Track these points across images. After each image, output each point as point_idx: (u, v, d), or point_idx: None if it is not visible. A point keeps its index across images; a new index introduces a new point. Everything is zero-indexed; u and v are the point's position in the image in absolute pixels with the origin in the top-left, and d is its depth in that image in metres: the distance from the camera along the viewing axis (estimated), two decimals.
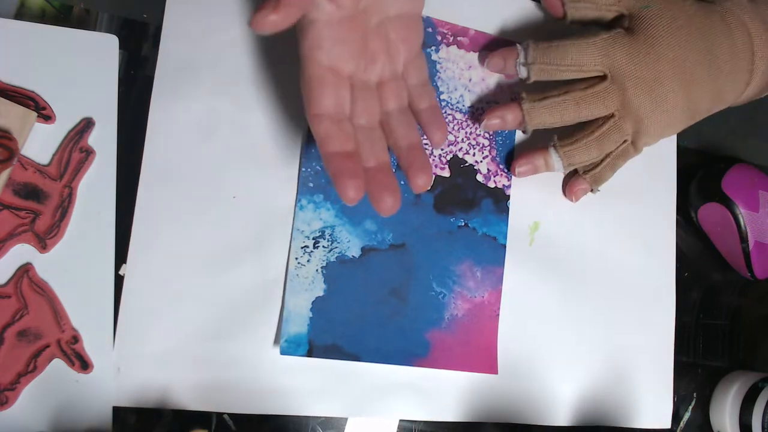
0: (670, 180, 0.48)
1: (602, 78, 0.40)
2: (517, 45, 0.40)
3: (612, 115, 0.40)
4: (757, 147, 0.53)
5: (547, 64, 0.39)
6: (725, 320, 0.49)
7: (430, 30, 0.42)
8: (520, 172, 0.42)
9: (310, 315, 0.37)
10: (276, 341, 0.37)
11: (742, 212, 0.46)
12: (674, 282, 0.47)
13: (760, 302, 0.51)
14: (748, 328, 0.50)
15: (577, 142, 0.40)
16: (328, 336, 0.37)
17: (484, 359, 0.40)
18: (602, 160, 0.42)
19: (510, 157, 0.43)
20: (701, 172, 0.49)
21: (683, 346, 0.47)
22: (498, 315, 0.41)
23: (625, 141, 0.41)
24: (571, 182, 0.43)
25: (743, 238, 0.46)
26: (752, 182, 0.47)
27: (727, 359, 0.49)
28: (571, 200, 0.44)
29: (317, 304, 0.38)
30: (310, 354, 0.37)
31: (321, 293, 0.38)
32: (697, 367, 0.48)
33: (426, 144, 0.41)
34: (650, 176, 0.44)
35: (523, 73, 0.40)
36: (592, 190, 0.43)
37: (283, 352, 0.36)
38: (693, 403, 0.47)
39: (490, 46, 0.43)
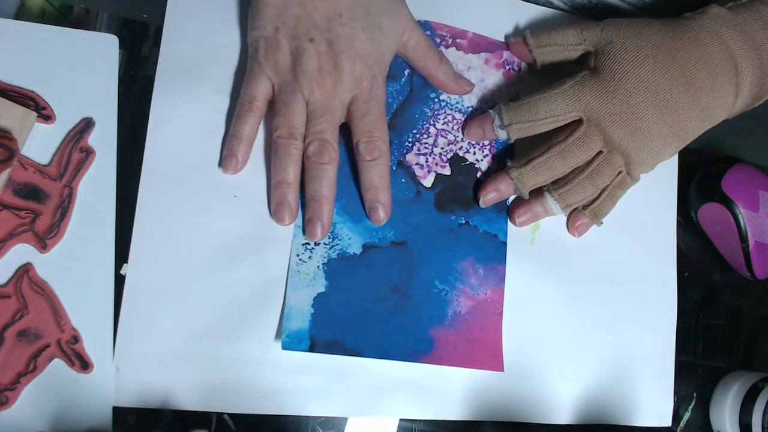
0: (670, 180, 0.48)
1: (579, 122, 0.40)
2: (490, 111, 0.41)
3: (600, 152, 0.40)
4: (757, 147, 0.53)
5: (523, 123, 0.40)
6: (725, 320, 0.49)
7: (428, 33, 0.42)
8: (521, 222, 0.42)
9: (312, 311, 0.37)
10: (277, 339, 0.37)
11: (742, 212, 0.46)
12: (675, 282, 0.47)
13: (760, 302, 0.51)
14: (748, 328, 0.50)
15: (570, 183, 0.40)
16: (330, 332, 0.37)
17: (489, 357, 0.40)
18: (600, 194, 0.41)
19: (509, 155, 0.43)
20: (701, 172, 0.49)
21: (683, 346, 0.47)
22: (501, 312, 0.41)
23: (619, 173, 0.41)
24: (571, 219, 0.43)
25: (743, 238, 0.46)
26: (752, 182, 0.47)
27: (727, 359, 0.49)
28: (574, 236, 0.44)
29: (318, 301, 0.38)
30: (311, 349, 0.37)
31: (322, 289, 0.38)
32: (697, 367, 0.48)
33: (426, 143, 0.42)
34: (651, 176, 0.44)
35: (502, 135, 0.41)
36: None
37: (284, 347, 0.36)
38: (693, 403, 0.47)
39: (488, 49, 0.44)
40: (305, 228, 0.38)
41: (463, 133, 0.42)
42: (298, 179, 0.37)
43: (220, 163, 0.38)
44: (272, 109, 0.37)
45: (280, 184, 0.37)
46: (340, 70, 0.36)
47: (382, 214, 0.38)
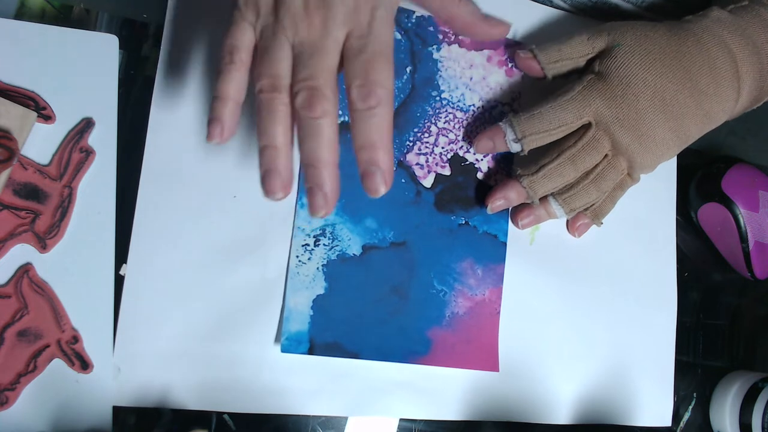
0: (670, 180, 0.48)
1: (587, 126, 0.39)
2: (499, 124, 0.40)
3: (605, 155, 0.40)
4: (757, 147, 0.53)
5: (536, 134, 0.39)
6: (725, 320, 0.49)
7: (431, 29, 0.42)
8: (523, 225, 0.42)
9: (311, 313, 0.37)
10: (276, 340, 0.37)
11: (742, 212, 0.46)
12: (675, 282, 0.47)
13: (760, 302, 0.51)
14: (748, 328, 0.50)
15: (574, 188, 0.40)
16: (329, 334, 0.37)
17: (485, 357, 0.40)
18: None
19: (509, 161, 0.43)
20: (701, 172, 0.49)
21: (683, 346, 0.47)
22: (499, 313, 0.41)
23: (621, 175, 0.41)
24: (572, 219, 0.43)
25: (743, 238, 0.46)
26: (752, 182, 0.47)
27: (727, 359, 0.49)
28: (574, 236, 0.44)
29: (318, 302, 0.38)
30: (311, 352, 0.37)
31: (322, 291, 0.38)
32: (697, 367, 0.48)
33: (428, 142, 0.41)
34: (650, 176, 0.44)
35: (515, 148, 0.40)
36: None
37: (283, 350, 0.36)
38: (693, 403, 0.47)
39: (491, 47, 0.44)
40: (308, 202, 0.30)
41: (471, 147, 0.42)
42: (290, 141, 0.30)
43: (208, 135, 0.31)
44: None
45: (267, 149, 0.30)
46: (331, 2, 0.30)
47: (379, 182, 0.29)
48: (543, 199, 0.41)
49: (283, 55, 0.30)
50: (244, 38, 0.31)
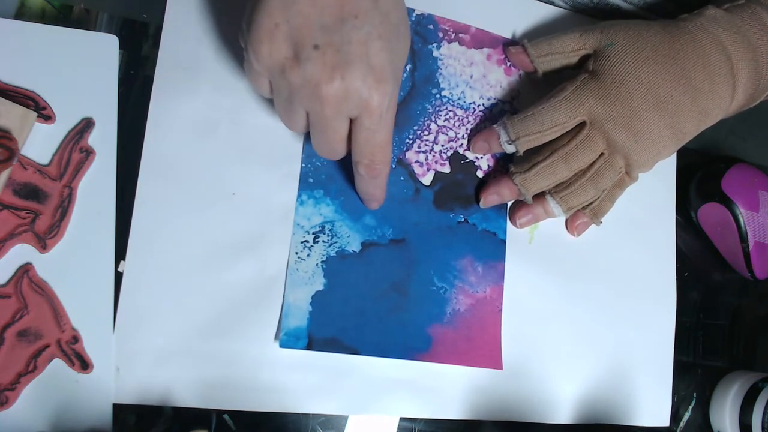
0: (669, 180, 0.48)
1: (582, 125, 0.39)
2: (494, 126, 0.41)
3: (601, 154, 0.40)
4: (757, 147, 0.53)
5: (530, 135, 0.39)
6: (725, 320, 0.49)
7: (431, 27, 0.42)
8: (522, 224, 0.42)
9: (310, 309, 0.38)
10: (276, 338, 0.37)
11: (742, 212, 0.46)
12: (674, 282, 0.47)
13: (760, 302, 0.51)
14: (748, 328, 0.50)
15: (571, 186, 0.40)
16: (328, 330, 0.37)
17: (488, 354, 0.40)
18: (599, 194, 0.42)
19: (508, 159, 0.43)
20: (701, 172, 0.49)
21: (683, 346, 0.47)
22: (501, 310, 0.41)
23: (619, 173, 0.41)
24: (571, 218, 0.43)
25: (743, 238, 0.46)
26: (752, 182, 0.47)
27: (727, 359, 0.49)
28: (573, 235, 0.44)
29: (317, 299, 0.38)
30: (309, 347, 0.37)
31: (321, 287, 0.38)
32: (697, 367, 0.48)
33: (427, 140, 0.42)
34: (650, 176, 0.44)
35: (510, 150, 0.40)
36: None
37: (282, 345, 0.36)
38: (693, 403, 0.47)
39: (491, 45, 0.44)
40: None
41: (468, 147, 0.42)
42: None
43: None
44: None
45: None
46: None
47: (375, 206, 0.39)
48: (540, 197, 0.41)
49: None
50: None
